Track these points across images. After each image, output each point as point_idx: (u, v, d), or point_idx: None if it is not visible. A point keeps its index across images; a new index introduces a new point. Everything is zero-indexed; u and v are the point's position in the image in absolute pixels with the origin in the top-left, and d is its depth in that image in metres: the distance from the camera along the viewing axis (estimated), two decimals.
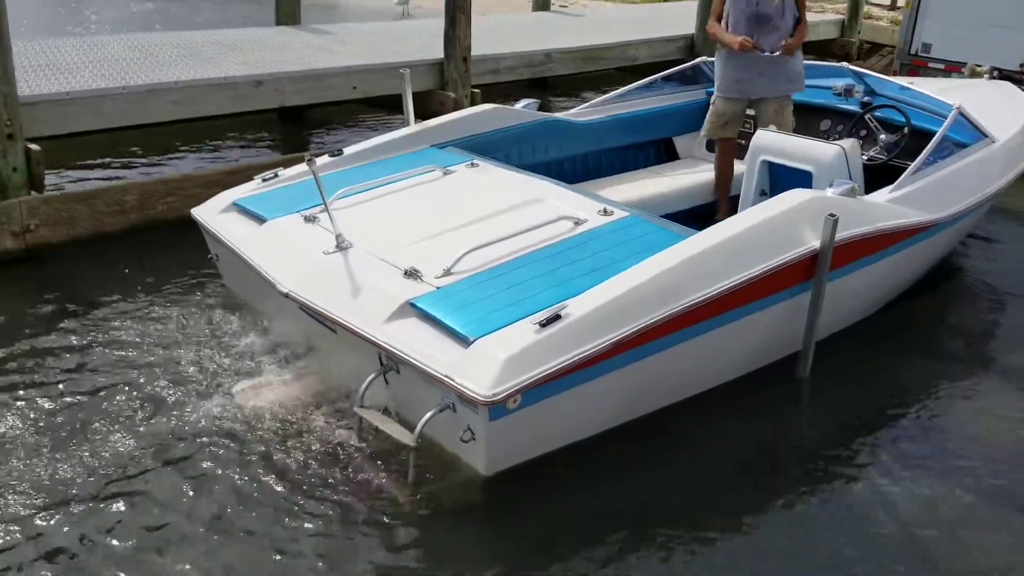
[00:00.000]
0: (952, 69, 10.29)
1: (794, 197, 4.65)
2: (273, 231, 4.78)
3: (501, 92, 9.69)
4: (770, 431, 4.60)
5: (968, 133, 5.92)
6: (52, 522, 3.63)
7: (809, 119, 6.70)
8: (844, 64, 7.07)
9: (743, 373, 4.68)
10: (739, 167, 6.21)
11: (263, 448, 4.08)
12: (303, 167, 5.23)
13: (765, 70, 6.06)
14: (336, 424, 4.22)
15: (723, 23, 6.14)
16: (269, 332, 4.84)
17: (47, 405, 4.36)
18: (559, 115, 6.66)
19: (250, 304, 5.08)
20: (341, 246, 4.44)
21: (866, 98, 6.72)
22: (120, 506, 3.74)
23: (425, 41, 9.26)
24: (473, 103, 8.46)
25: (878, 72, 7.60)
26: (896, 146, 6.21)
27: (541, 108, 6.55)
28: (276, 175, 5.33)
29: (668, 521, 3.86)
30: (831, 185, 4.90)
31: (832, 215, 4.45)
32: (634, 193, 6.14)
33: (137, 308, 5.32)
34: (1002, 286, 6.38)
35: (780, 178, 5.43)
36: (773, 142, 5.56)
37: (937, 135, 5.56)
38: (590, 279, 4.03)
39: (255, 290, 4.86)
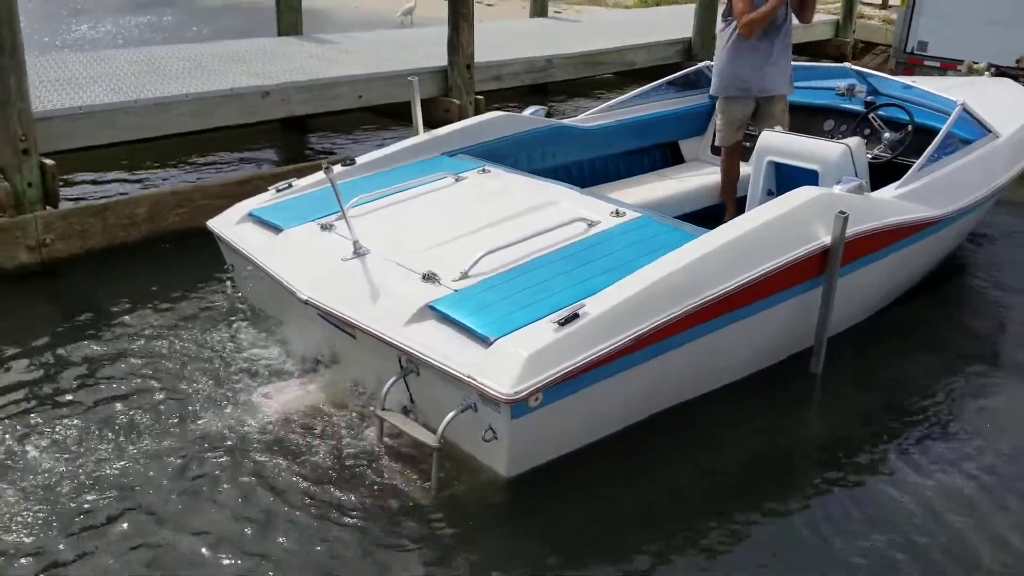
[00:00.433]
0: (948, 67, 10.35)
1: (803, 194, 4.72)
2: (290, 240, 4.84)
3: (503, 98, 9.76)
4: (787, 428, 4.64)
5: (972, 129, 5.98)
6: (63, 533, 3.66)
7: (812, 119, 6.77)
8: (846, 64, 7.14)
9: (758, 369, 4.75)
10: (743, 168, 6.28)
11: (285, 453, 4.13)
12: (316, 177, 5.30)
13: (769, 69, 6.12)
14: (358, 428, 4.27)
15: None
16: (287, 340, 4.88)
17: (64, 416, 4.40)
18: (566, 121, 6.74)
19: (267, 313, 5.13)
20: (359, 252, 4.50)
21: (869, 97, 6.79)
22: (141, 516, 3.76)
23: (428, 50, 9.34)
24: (477, 110, 8.54)
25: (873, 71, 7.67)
26: (900, 144, 6.27)
27: (545, 114, 6.62)
28: (290, 185, 5.39)
29: (686, 518, 3.91)
30: (838, 183, 4.97)
31: (842, 211, 4.52)
32: (642, 196, 6.20)
33: (152, 319, 5.37)
34: (1008, 281, 6.43)
35: (786, 178, 5.50)
36: (779, 142, 5.63)
37: (942, 131, 5.62)
38: (606, 279, 4.09)
39: (273, 299, 4.92)
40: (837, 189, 4.88)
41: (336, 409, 4.39)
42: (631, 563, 3.64)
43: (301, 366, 4.71)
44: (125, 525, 3.71)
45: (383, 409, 4.08)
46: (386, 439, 4.15)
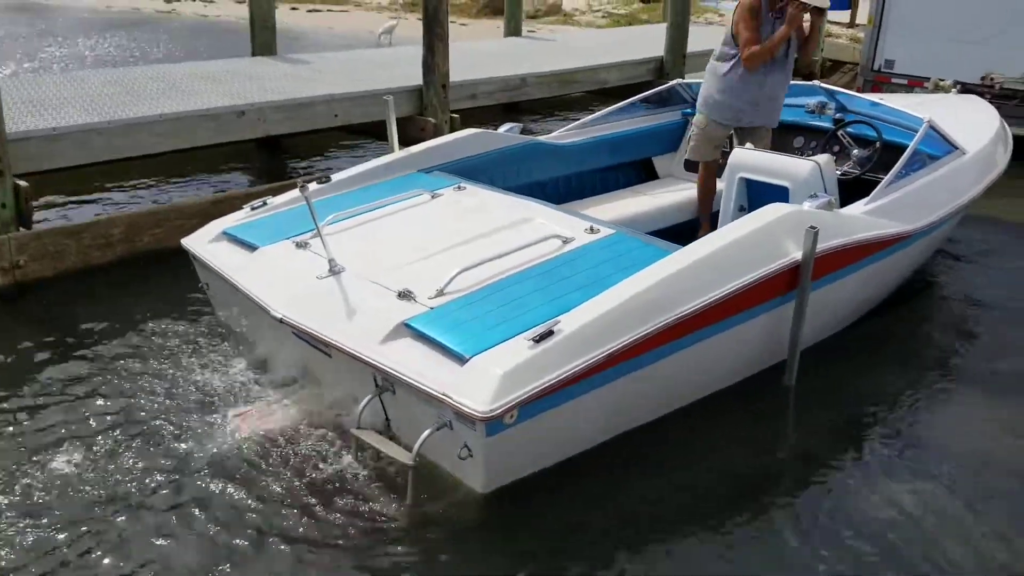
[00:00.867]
0: (915, 84, 10.49)
1: (774, 211, 4.79)
2: (265, 258, 4.84)
3: (478, 116, 9.81)
4: (762, 440, 4.69)
5: (939, 146, 6.09)
6: (44, 553, 3.64)
7: (783, 137, 6.85)
8: (815, 82, 7.24)
9: (733, 382, 4.80)
10: (719, 184, 6.34)
11: (259, 473, 4.12)
12: (291, 195, 5.31)
13: (765, 104, 6.14)
14: (334, 447, 4.26)
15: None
16: (262, 359, 4.88)
17: (40, 438, 4.38)
18: (542, 138, 6.79)
19: (242, 332, 5.11)
20: (334, 270, 4.50)
21: (838, 115, 6.90)
22: (113, 536, 3.76)
23: (403, 69, 9.37)
24: (452, 128, 8.57)
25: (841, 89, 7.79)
26: (869, 160, 6.37)
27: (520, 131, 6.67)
28: (264, 203, 5.39)
29: (663, 532, 3.95)
30: (810, 197, 5.04)
31: (812, 227, 4.58)
32: (617, 212, 6.26)
33: (127, 340, 5.35)
34: (974, 295, 6.55)
35: (758, 194, 5.56)
36: (750, 159, 5.69)
37: (909, 148, 5.72)
38: (580, 295, 4.12)
39: (247, 317, 4.92)
40: (807, 205, 4.95)
41: (311, 428, 4.38)
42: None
43: (276, 385, 4.70)
44: (95, 547, 3.69)
45: (358, 428, 4.09)
46: (362, 457, 4.15)
